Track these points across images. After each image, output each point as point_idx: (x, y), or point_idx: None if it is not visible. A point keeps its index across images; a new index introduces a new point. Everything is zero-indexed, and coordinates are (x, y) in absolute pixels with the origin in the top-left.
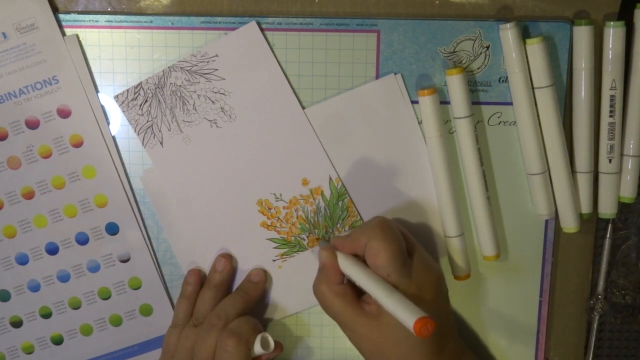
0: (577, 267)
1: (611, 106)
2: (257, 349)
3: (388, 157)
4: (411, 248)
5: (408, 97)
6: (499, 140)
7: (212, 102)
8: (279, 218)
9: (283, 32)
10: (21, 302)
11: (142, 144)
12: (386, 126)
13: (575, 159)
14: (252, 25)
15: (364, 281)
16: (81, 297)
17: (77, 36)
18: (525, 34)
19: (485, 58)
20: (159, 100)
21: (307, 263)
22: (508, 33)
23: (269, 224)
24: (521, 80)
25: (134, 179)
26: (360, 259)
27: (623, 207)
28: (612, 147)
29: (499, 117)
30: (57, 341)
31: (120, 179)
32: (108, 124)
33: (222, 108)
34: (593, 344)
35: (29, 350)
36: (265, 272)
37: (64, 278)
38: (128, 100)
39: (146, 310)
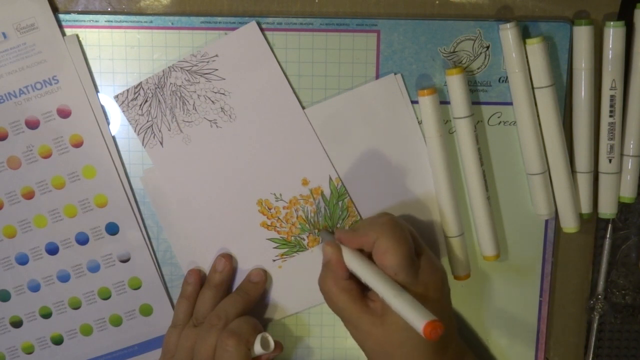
0: (577, 267)
1: (611, 106)
2: (257, 349)
3: (388, 157)
4: (419, 248)
5: (408, 97)
6: (499, 140)
7: (212, 102)
8: (279, 218)
9: (283, 32)
10: (21, 302)
11: (142, 144)
12: (386, 126)
13: (575, 159)
14: (252, 25)
15: (371, 279)
16: (81, 297)
17: (77, 36)
18: (525, 34)
19: (485, 58)
20: (159, 100)
21: (307, 263)
22: (508, 33)
23: (269, 224)
24: (521, 80)
25: (134, 179)
26: (365, 254)
27: (623, 207)
28: (612, 147)
29: (499, 117)
30: (57, 341)
31: (120, 179)
32: (108, 124)
33: (222, 108)
34: (593, 344)
35: (29, 350)
36: (265, 272)
37: (64, 278)
38: (128, 100)
39: (146, 310)
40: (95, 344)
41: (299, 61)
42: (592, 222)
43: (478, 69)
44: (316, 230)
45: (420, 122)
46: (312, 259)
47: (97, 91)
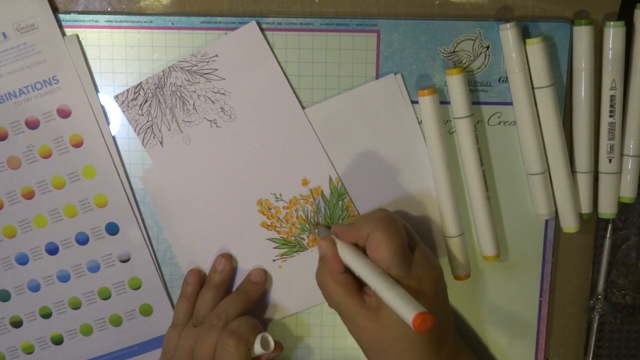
0: (577, 267)
1: (611, 106)
2: (257, 349)
3: (388, 157)
4: (413, 242)
5: (408, 97)
6: (499, 140)
7: (212, 102)
8: (279, 218)
9: (283, 32)
10: (21, 302)
11: (142, 144)
12: (386, 126)
13: (575, 159)
14: (252, 25)
15: (364, 272)
16: (81, 297)
17: (77, 36)
18: (525, 34)
19: (485, 58)
20: (159, 100)
21: (307, 263)
22: (508, 33)
23: (269, 224)
24: (521, 80)
25: (134, 179)
26: (360, 249)
27: (623, 207)
28: (612, 147)
29: (499, 117)
30: (57, 341)
31: (120, 179)
32: (108, 124)
33: (222, 108)
34: (593, 344)
35: (29, 350)
36: (265, 272)
37: (64, 278)
38: (128, 100)
39: (146, 310)
40: (95, 344)
41: (299, 61)
42: (592, 222)
43: (478, 69)
44: (316, 230)
45: (420, 122)
46: (312, 259)
47: (97, 91)
